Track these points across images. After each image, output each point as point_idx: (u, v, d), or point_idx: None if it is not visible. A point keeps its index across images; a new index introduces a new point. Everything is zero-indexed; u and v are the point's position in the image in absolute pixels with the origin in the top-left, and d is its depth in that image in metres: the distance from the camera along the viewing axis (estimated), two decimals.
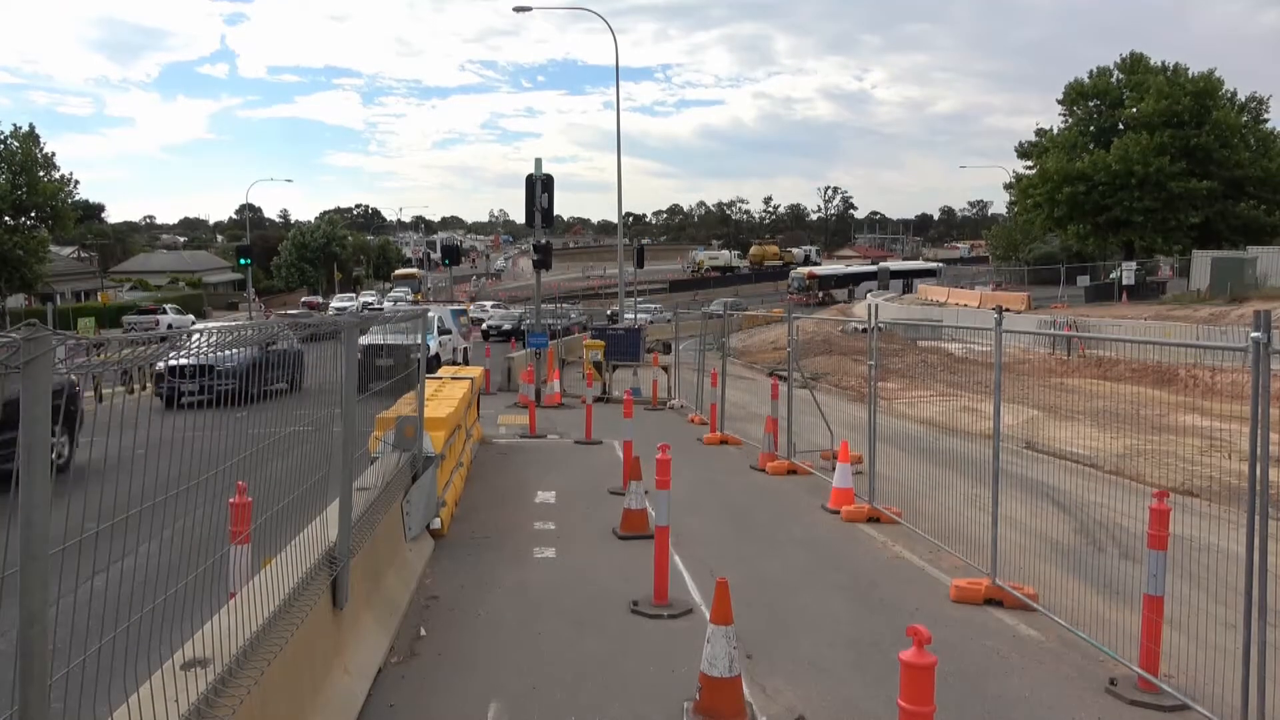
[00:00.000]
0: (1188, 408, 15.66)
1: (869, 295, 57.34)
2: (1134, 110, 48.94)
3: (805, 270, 76.16)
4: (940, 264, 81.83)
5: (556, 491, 11.53)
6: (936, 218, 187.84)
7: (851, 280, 71.00)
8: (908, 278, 69.13)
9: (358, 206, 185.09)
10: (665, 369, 23.21)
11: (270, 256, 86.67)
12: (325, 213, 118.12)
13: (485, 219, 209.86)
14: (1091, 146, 50.20)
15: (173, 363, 3.54)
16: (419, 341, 9.55)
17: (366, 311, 15.13)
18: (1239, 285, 38.83)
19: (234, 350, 3.85)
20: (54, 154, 48.51)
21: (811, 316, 37.26)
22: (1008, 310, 8.72)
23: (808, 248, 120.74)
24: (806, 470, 12.70)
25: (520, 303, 60.75)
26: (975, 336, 20.80)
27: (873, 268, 75.89)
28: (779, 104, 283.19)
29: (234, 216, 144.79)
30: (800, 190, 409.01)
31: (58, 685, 2.57)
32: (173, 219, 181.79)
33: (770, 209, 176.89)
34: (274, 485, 4.41)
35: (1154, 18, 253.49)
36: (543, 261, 22.78)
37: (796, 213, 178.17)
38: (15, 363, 2.42)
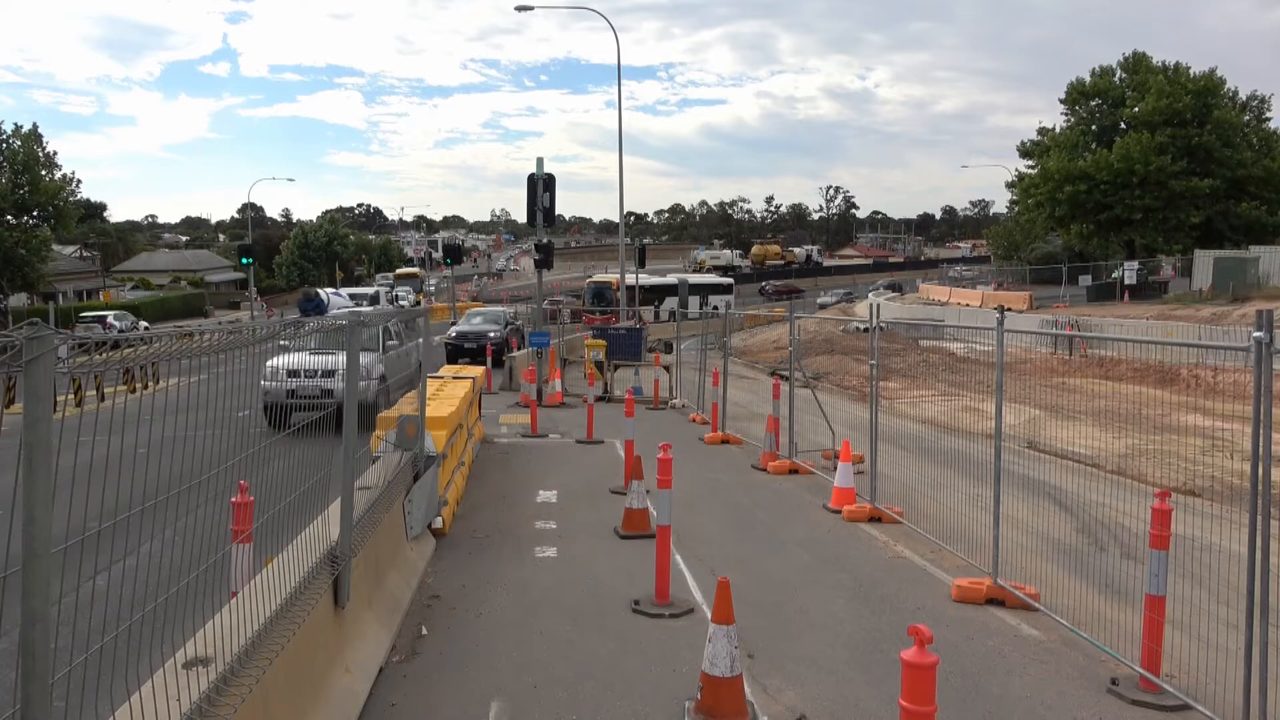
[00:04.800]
0: (1189, 408, 15.65)
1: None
2: (1135, 109, 48.87)
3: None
4: (731, 280, 75.61)
5: (558, 491, 11.53)
6: (938, 217, 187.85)
7: (657, 294, 59.90)
8: (704, 293, 64.39)
9: (360, 206, 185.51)
10: (667, 368, 23.20)
11: (272, 255, 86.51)
12: (327, 212, 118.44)
13: (487, 218, 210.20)
14: (1093, 146, 50.12)
15: None
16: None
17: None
18: (1241, 285, 38.79)
19: None
20: (56, 153, 48.72)
21: (814, 316, 37.23)
22: (1009, 310, 8.71)
23: (809, 247, 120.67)
24: (808, 470, 12.70)
25: (522, 301, 60.25)
26: (977, 336, 20.78)
27: (674, 281, 67.22)
28: (781, 103, 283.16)
29: (236, 215, 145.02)
30: (802, 189, 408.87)
31: (60, 684, 2.57)
32: (175, 218, 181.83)
33: (772, 208, 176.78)
34: None
35: (1157, 16, 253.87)
36: (544, 261, 22.78)
37: (798, 212, 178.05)
38: (17, 362, 2.42)
